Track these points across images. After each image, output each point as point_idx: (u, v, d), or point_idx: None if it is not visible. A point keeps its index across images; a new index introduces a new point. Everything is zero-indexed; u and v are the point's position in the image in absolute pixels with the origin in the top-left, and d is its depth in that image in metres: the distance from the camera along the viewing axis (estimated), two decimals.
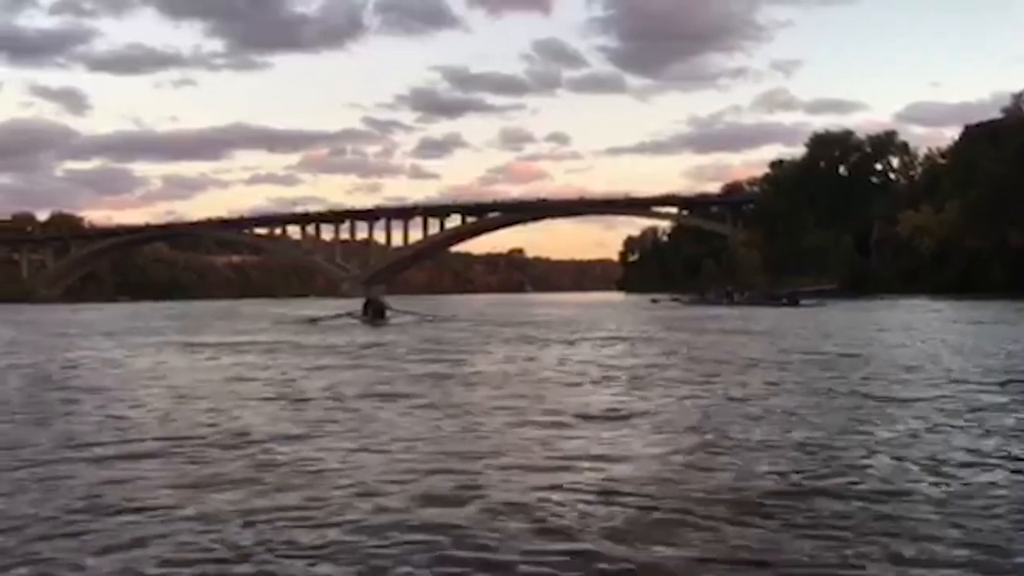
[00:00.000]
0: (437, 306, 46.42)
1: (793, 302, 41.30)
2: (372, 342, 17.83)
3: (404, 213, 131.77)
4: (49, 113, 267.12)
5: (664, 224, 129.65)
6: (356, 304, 27.41)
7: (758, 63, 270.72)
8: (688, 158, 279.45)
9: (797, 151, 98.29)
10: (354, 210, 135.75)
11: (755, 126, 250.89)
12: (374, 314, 26.35)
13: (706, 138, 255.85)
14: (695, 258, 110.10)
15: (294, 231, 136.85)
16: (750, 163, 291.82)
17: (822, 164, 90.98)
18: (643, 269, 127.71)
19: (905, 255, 71.16)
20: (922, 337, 17.13)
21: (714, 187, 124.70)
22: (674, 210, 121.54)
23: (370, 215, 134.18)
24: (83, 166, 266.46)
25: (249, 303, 75.16)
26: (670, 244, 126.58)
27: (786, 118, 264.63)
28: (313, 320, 27.54)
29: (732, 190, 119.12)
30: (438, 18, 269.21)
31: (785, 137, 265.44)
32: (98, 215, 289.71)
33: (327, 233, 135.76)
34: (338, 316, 26.86)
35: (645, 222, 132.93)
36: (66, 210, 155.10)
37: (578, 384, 9.65)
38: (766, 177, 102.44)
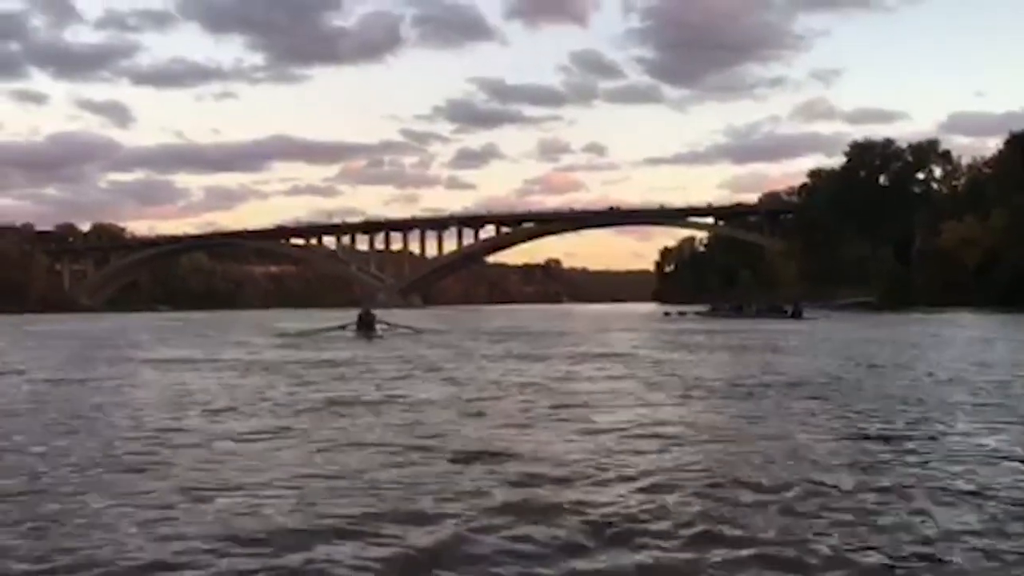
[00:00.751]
0: (456, 316, 46.56)
1: (797, 315, 41.39)
2: (330, 358, 17.42)
3: (439, 223, 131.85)
4: (95, 126, 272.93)
5: (701, 235, 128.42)
6: (355, 317, 28.23)
7: (796, 72, 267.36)
8: (725, 169, 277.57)
9: (837, 162, 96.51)
10: (389, 220, 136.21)
11: (793, 136, 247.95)
12: (366, 327, 27.39)
13: (743, 149, 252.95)
14: (731, 269, 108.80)
15: (330, 241, 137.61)
16: (788, 174, 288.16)
17: (862, 173, 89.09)
18: (679, 280, 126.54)
19: (948, 267, 69.18)
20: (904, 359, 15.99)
21: (751, 198, 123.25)
22: (710, 220, 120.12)
23: (405, 225, 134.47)
24: (127, 178, 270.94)
25: (282, 313, 75.60)
26: (706, 255, 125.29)
27: (825, 128, 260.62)
28: (303, 333, 28.39)
29: (769, 200, 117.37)
30: (475, 30, 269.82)
31: (824, 147, 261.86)
32: (142, 226, 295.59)
33: (363, 244, 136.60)
34: (329, 329, 27.65)
35: (681, 233, 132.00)
36: (110, 221, 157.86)
37: (521, 411, 8.63)
38: (804, 186, 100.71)
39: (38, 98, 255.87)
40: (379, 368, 14.74)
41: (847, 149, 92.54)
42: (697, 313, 48.67)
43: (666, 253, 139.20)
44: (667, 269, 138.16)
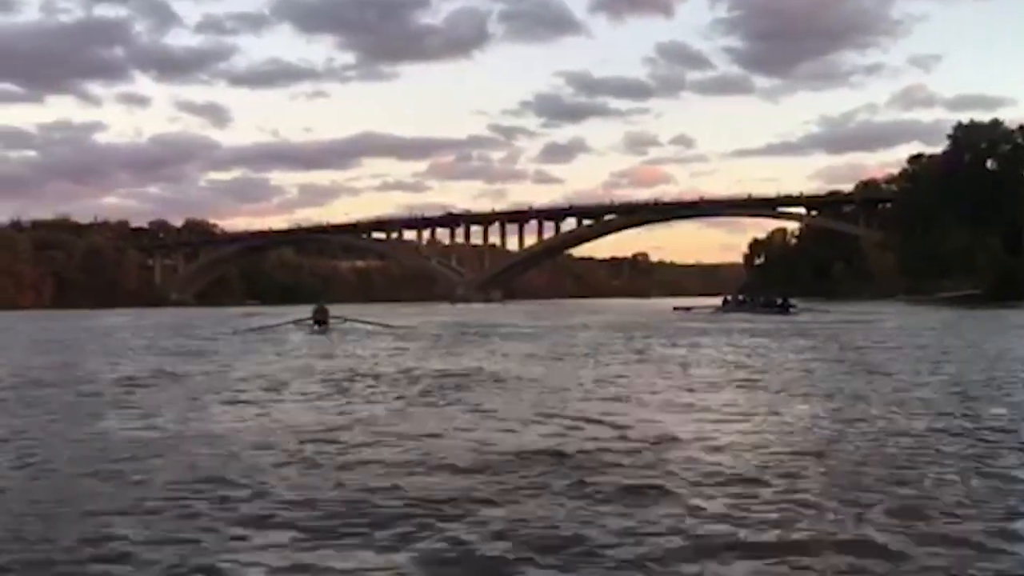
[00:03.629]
0: (495, 312, 45.71)
1: (784, 310, 40.84)
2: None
3: (519, 217, 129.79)
4: (194, 127, 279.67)
5: (792, 226, 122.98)
6: (357, 311, 32.02)
7: (894, 59, 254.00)
8: (819, 159, 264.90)
9: (937, 150, 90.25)
10: (469, 214, 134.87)
11: (891, 124, 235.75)
12: (318, 322, 30.71)
13: (838, 138, 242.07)
14: (824, 261, 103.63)
15: (412, 236, 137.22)
16: (886, 163, 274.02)
17: (967, 157, 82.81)
18: (769, 273, 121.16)
19: None
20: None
21: (846, 189, 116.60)
22: (802, 210, 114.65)
23: (485, 219, 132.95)
24: (225, 176, 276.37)
25: (346, 308, 75.58)
26: (797, 246, 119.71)
27: (925, 115, 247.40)
28: (255, 329, 31.27)
29: (866, 188, 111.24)
30: (561, 24, 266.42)
31: (924, 135, 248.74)
32: (239, 222, 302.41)
33: (445, 238, 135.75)
34: (280, 324, 30.79)
35: (773, 225, 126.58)
36: (209, 218, 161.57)
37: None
38: (904, 173, 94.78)
39: (141, 100, 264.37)
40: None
41: (950, 132, 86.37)
42: (714, 308, 47.50)
43: (755, 245, 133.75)
44: (757, 262, 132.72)
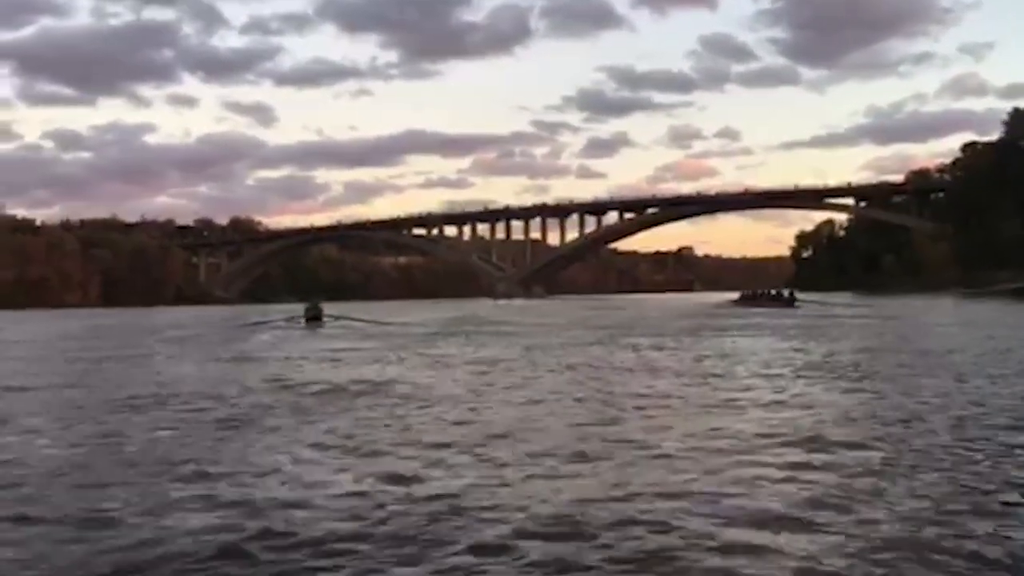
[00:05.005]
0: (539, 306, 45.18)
1: (788, 304, 42.69)
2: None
3: (560, 211, 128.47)
4: (241, 126, 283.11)
5: (841, 218, 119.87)
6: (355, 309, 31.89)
7: (944, 47, 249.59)
8: (867, 150, 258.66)
9: (991, 139, 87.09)
10: (510, 209, 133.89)
11: (942, 114, 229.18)
12: (311, 319, 31.02)
13: (887, 129, 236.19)
14: (874, 253, 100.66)
15: (454, 232, 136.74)
16: (937, 154, 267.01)
17: (1023, 144, 79.75)
18: (817, 266, 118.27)
19: None
20: None
21: (896, 180, 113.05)
22: (851, 201, 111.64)
23: (526, 214, 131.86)
24: (272, 175, 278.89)
25: (387, 304, 75.33)
26: (846, 239, 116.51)
27: (976, 105, 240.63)
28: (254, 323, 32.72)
29: (917, 178, 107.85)
30: (603, 19, 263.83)
31: (976, 125, 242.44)
32: (286, 220, 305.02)
33: (487, 234, 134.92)
34: (271, 321, 31.87)
35: (821, 217, 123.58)
36: (257, 217, 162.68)
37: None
38: (957, 162, 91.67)
39: (190, 101, 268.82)
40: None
41: (1005, 119, 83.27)
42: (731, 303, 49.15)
43: (803, 237, 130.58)
44: (804, 255, 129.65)
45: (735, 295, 55.28)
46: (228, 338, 26.49)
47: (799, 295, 45.94)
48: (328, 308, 34.79)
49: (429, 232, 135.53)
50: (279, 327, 30.80)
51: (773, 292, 49.12)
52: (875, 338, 20.25)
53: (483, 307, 63.97)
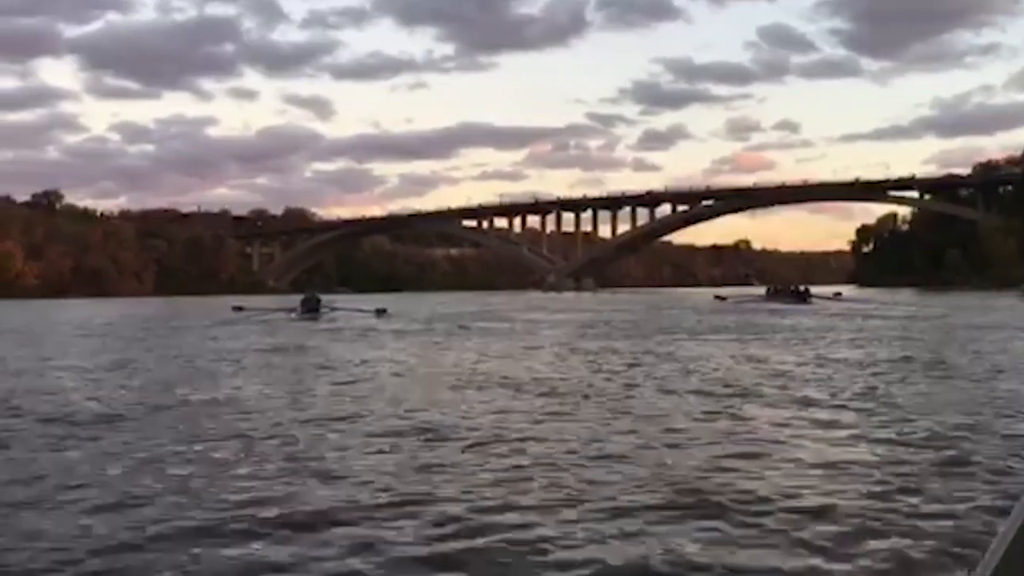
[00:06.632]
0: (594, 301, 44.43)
1: (804, 299, 43.90)
2: None
3: (612, 203, 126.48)
4: (300, 119, 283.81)
5: (903, 211, 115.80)
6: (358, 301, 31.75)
7: (1012, 38, 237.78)
8: (931, 143, 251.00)
9: None
10: (561, 200, 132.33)
11: (1010, 106, 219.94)
12: (309, 311, 30.58)
13: (952, 121, 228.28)
14: (938, 247, 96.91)
15: (505, 224, 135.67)
16: (1005, 147, 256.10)
17: None
18: (879, 261, 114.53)
19: None
20: None
21: (962, 173, 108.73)
22: (914, 194, 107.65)
23: (577, 205, 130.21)
24: (329, 167, 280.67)
25: (438, 296, 74.99)
26: (909, 232, 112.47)
27: None
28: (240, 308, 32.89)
29: (985, 170, 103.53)
30: (659, 11, 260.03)
31: None
32: (343, 212, 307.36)
33: (538, 226, 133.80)
34: (275, 310, 31.21)
35: (882, 211, 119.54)
36: (314, 208, 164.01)
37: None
38: None
39: (250, 95, 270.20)
40: None
41: None
42: (757, 297, 49.54)
43: (864, 231, 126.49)
44: (864, 249, 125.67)
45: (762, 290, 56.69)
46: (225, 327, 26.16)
47: (855, 292, 46.61)
48: (358, 300, 34.83)
49: (480, 224, 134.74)
50: (277, 317, 30.99)
51: (792, 288, 50.46)
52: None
53: (517, 300, 62.97)
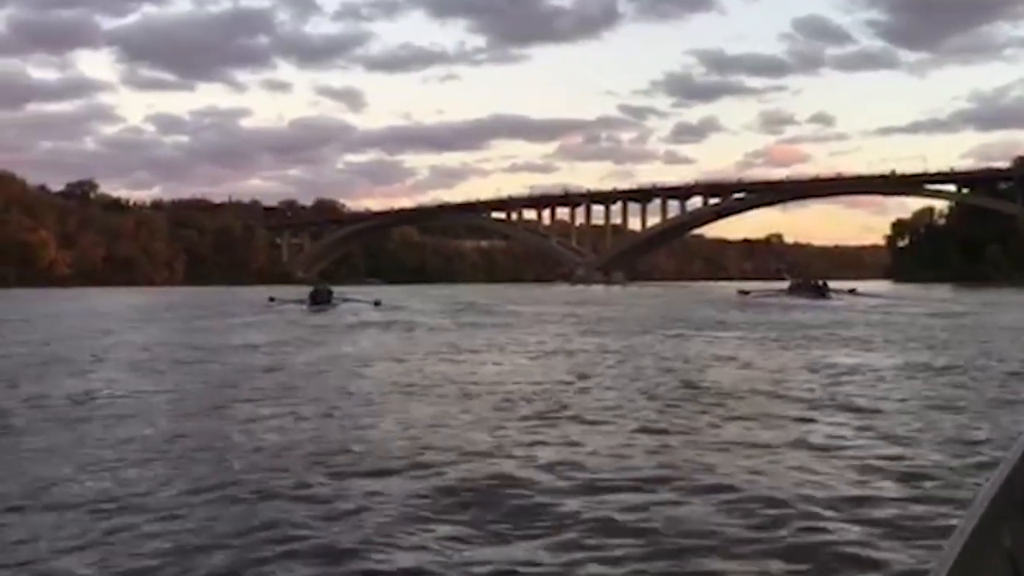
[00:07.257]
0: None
1: (823, 294, 43.61)
2: None
3: (642, 195, 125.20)
4: (332, 111, 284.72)
5: (940, 205, 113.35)
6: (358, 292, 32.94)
7: None
8: (970, 137, 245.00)
9: None
10: (589, 192, 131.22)
11: None
12: (318, 302, 31.01)
13: (991, 114, 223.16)
14: (976, 242, 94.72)
15: (533, 216, 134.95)
16: None
17: None
18: (914, 255, 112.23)
19: None
20: None
21: (1002, 166, 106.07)
22: (952, 188, 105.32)
23: (606, 198, 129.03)
24: (360, 159, 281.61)
25: (468, 288, 74.71)
26: (946, 227, 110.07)
27: None
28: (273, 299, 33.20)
29: None
30: (692, 2, 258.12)
31: None
32: (374, 204, 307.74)
33: (567, 218, 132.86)
34: (285, 301, 31.53)
35: (918, 205, 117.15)
36: (344, 200, 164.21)
37: None
38: None
39: (283, 87, 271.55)
40: None
41: None
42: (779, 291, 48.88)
43: (899, 226, 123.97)
44: (900, 244, 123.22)
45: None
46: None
47: (889, 287, 45.57)
48: (371, 292, 34.92)
49: (509, 216, 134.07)
50: (290, 308, 31.17)
51: (813, 282, 49.88)
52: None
53: (537, 292, 62.37)
